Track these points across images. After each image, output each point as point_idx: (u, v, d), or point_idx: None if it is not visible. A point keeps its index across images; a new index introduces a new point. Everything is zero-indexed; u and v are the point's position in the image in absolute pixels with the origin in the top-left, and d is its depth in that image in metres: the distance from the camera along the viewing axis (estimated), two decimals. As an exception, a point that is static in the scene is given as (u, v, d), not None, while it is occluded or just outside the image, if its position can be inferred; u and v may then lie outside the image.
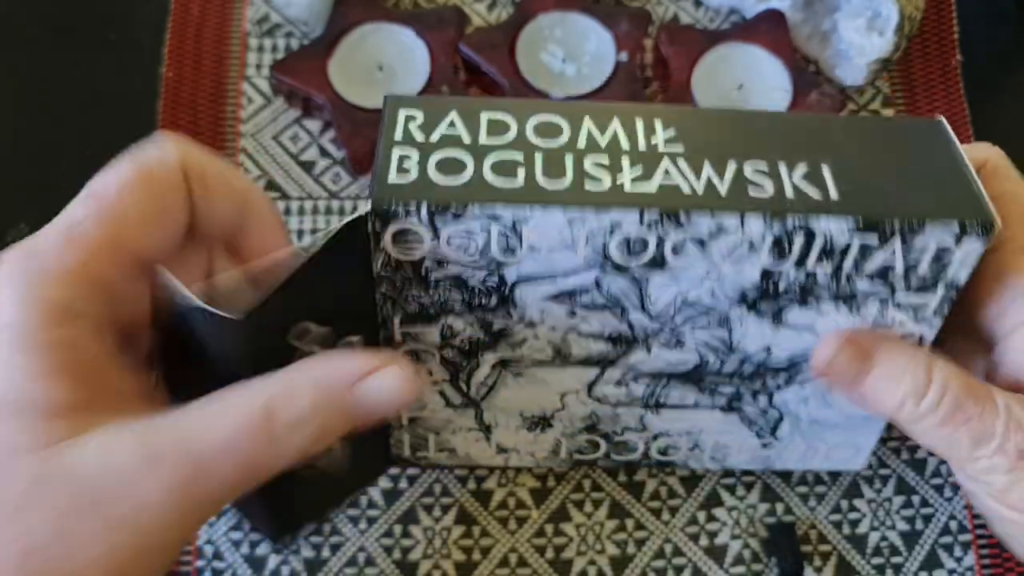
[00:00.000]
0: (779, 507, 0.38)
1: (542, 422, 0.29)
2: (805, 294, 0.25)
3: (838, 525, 0.38)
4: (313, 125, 0.44)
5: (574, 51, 0.45)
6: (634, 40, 0.44)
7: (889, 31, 0.42)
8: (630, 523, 0.37)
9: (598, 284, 0.26)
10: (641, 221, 0.25)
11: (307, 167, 0.43)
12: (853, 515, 0.38)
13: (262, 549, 0.36)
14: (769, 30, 0.45)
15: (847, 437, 0.32)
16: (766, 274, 0.25)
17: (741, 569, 0.37)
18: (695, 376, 0.24)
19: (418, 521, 0.37)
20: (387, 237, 0.26)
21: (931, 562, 0.37)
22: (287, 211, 0.42)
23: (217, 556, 0.37)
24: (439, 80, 0.43)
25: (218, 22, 0.46)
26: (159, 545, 0.23)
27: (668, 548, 0.37)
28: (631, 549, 0.37)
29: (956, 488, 0.38)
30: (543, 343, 0.28)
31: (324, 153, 0.43)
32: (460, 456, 0.36)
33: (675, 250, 0.25)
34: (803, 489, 0.38)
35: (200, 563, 0.36)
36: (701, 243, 0.25)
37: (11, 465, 0.22)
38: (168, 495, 0.22)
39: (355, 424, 0.25)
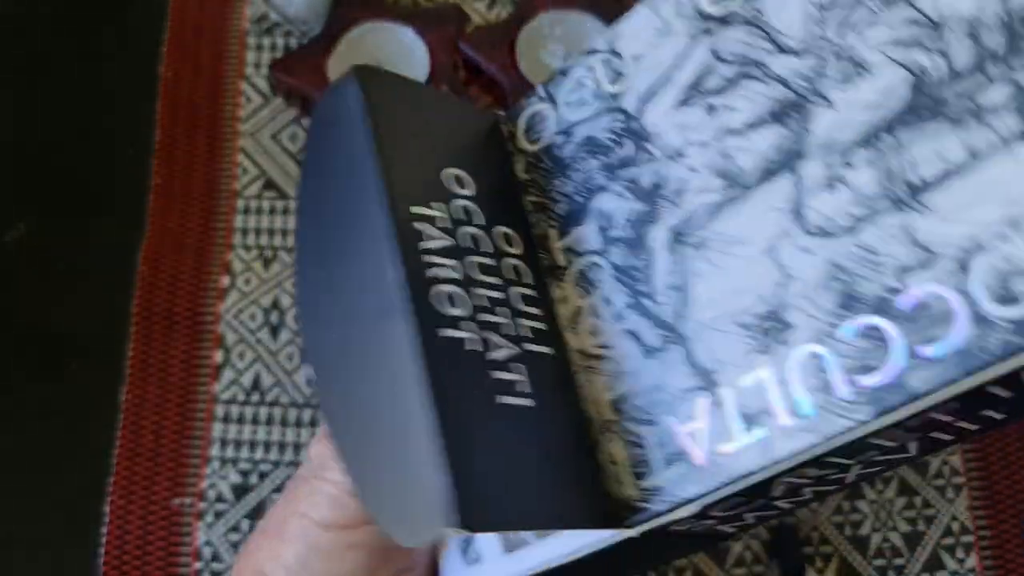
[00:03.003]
0: (780, 508, 0.38)
1: (774, 325, 0.20)
2: None
3: (840, 527, 0.38)
4: (312, 124, 0.44)
5: (574, 49, 0.45)
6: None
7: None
8: (631, 524, 0.37)
9: (716, 55, 0.23)
10: None
11: (306, 166, 0.43)
12: (855, 516, 0.38)
13: (261, 551, 0.36)
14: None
15: None
16: None
17: (742, 571, 0.37)
18: (925, 103, 0.15)
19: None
20: (520, 133, 0.28)
21: (933, 564, 0.37)
22: (285, 210, 0.42)
23: (216, 558, 0.36)
24: (439, 79, 0.43)
25: (217, 21, 0.46)
26: None
27: (669, 549, 0.37)
28: (632, 550, 0.37)
29: (958, 489, 0.38)
30: (705, 173, 0.23)
31: (323, 152, 0.43)
32: None
33: None
34: (804, 490, 0.38)
35: (199, 564, 0.36)
36: None
37: None
38: None
39: None
